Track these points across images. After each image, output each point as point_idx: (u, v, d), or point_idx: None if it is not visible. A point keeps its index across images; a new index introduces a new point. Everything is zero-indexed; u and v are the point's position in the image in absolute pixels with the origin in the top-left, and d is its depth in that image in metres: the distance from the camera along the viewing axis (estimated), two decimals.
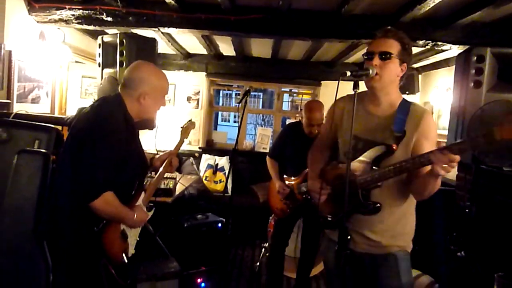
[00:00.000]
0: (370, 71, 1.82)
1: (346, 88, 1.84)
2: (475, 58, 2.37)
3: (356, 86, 1.84)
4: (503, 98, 2.35)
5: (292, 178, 3.28)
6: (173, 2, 3.13)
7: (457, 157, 1.46)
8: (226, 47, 5.01)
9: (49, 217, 1.98)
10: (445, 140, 2.81)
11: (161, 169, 2.21)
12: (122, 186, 1.87)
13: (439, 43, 3.31)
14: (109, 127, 1.76)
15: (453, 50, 3.49)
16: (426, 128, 1.75)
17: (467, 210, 2.80)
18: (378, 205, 1.74)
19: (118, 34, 2.96)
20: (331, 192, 1.90)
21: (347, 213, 1.82)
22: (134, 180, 2.00)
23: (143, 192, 2.05)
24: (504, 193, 3.15)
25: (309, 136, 3.17)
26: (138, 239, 2.08)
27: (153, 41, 3.14)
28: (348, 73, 1.80)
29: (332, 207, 1.89)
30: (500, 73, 2.40)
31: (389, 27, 1.89)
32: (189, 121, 2.51)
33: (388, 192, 1.77)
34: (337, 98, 1.94)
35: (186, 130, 2.45)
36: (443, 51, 3.63)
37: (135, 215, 1.91)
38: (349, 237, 1.68)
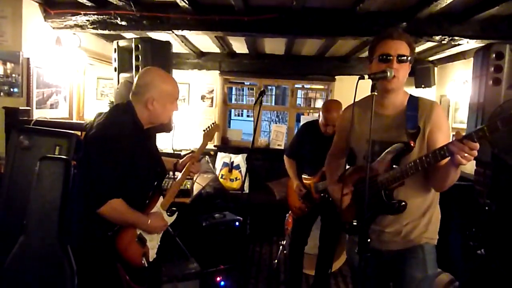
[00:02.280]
0: (388, 74, 1.82)
1: (363, 87, 1.83)
2: (494, 55, 2.33)
3: (373, 89, 1.84)
4: None
5: (310, 177, 3.28)
6: (186, 4, 3.14)
7: (477, 145, 1.46)
8: (239, 45, 5.00)
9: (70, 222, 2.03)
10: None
11: (180, 174, 2.22)
12: (134, 192, 1.90)
13: (456, 38, 3.26)
14: (115, 135, 1.78)
15: (470, 44, 3.43)
16: (437, 119, 1.77)
17: (486, 208, 2.77)
18: (404, 203, 1.75)
19: (133, 39, 2.98)
20: (354, 197, 1.91)
21: (373, 214, 1.84)
22: (147, 185, 2.02)
23: (161, 197, 2.07)
24: None
25: (325, 134, 3.16)
26: (159, 243, 2.10)
27: (168, 45, 3.15)
28: (366, 77, 1.80)
29: (356, 211, 1.90)
30: None
31: (398, 28, 1.93)
32: (213, 123, 2.42)
33: (411, 188, 1.79)
34: (354, 100, 1.94)
35: (210, 133, 2.37)
36: (459, 45, 3.57)
37: (149, 221, 1.93)
38: (369, 240, 1.68)
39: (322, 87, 6.09)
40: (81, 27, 3.55)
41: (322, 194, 3.19)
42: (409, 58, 1.79)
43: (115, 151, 1.77)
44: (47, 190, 2.30)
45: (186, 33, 3.60)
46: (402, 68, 1.78)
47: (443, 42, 3.34)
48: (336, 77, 5.67)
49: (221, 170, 5.52)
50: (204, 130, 2.36)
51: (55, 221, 2.28)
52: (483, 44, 3.26)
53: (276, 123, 14.96)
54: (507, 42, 3.09)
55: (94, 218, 1.78)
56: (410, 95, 1.87)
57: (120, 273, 1.89)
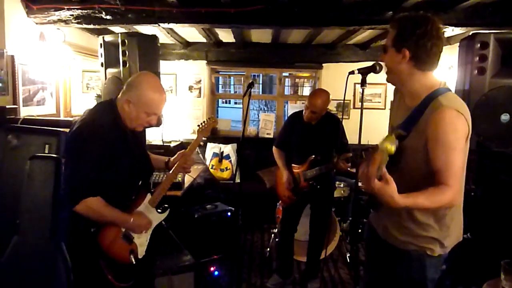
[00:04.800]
0: (377, 68, 1.86)
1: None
2: (479, 44, 2.38)
3: (363, 83, 1.88)
4: (507, 84, 2.38)
5: (298, 165, 3.33)
6: None
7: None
8: (225, 34, 4.97)
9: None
10: None
11: (171, 170, 2.21)
12: (116, 190, 1.90)
13: (442, 25, 3.29)
14: (90, 134, 1.78)
15: (456, 30, 3.47)
16: (433, 128, 1.51)
17: (472, 194, 2.84)
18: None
19: (119, 34, 2.95)
20: None
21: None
22: (130, 183, 2.02)
23: (148, 194, 2.07)
24: (510, 173, 3.18)
25: (308, 122, 3.22)
26: (148, 240, 2.07)
27: (154, 38, 3.13)
28: (356, 71, 1.84)
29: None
30: (503, 59, 2.41)
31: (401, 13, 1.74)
32: (209, 118, 2.32)
33: (404, 187, 1.59)
34: (345, 94, 1.96)
35: (206, 128, 2.28)
36: (444, 33, 3.60)
37: (132, 219, 1.92)
38: (359, 230, 1.73)
39: (309, 74, 6.09)
40: (65, 22, 3.49)
41: (310, 182, 3.25)
42: (388, 46, 1.63)
43: (89, 150, 1.76)
44: (38, 189, 2.29)
45: (172, 25, 3.57)
46: (385, 59, 1.67)
47: None
48: (323, 64, 5.69)
49: (211, 160, 5.54)
50: (198, 126, 2.29)
51: (48, 219, 2.28)
52: (466, 31, 3.31)
53: (265, 112, 14.93)
54: (490, 29, 3.15)
55: (75, 214, 1.78)
56: (433, 92, 1.59)
57: (102, 270, 1.89)
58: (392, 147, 1.34)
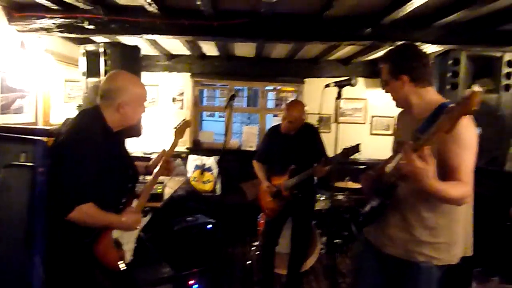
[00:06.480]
0: (352, 81, 1.91)
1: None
2: (451, 61, 2.47)
3: (339, 95, 1.93)
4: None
5: (279, 177, 3.35)
6: (155, 9, 3.13)
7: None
8: (209, 47, 5.01)
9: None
10: None
11: (154, 171, 2.22)
12: (107, 196, 1.90)
13: (419, 43, 3.39)
14: (84, 140, 1.79)
15: (432, 48, 3.59)
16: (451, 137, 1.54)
17: None
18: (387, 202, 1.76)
19: (101, 44, 2.95)
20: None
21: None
22: (120, 188, 2.02)
23: (135, 199, 2.07)
24: (482, 186, 3.25)
25: (286, 133, 3.26)
26: (135, 244, 2.08)
27: (136, 49, 3.15)
28: (332, 84, 1.89)
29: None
30: (475, 75, 2.50)
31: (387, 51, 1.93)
32: (183, 120, 2.45)
33: (414, 197, 1.73)
34: (321, 106, 2.01)
35: (180, 130, 2.38)
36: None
37: (123, 218, 1.93)
38: (337, 241, 1.75)
39: (291, 88, 6.17)
40: (47, 30, 3.47)
41: (291, 192, 3.27)
42: (388, 80, 1.83)
43: (84, 156, 1.76)
44: (12, 198, 2.25)
45: (155, 37, 3.59)
46: (389, 90, 1.86)
47: None
48: (306, 79, 5.77)
49: (193, 172, 5.51)
50: (175, 128, 2.37)
51: (22, 231, 2.23)
52: (442, 48, 3.43)
53: (248, 125, 14.98)
54: (465, 46, 3.27)
55: (67, 226, 1.76)
56: (443, 102, 1.72)
57: (98, 280, 1.89)
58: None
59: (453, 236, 1.73)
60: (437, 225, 1.71)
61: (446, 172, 1.59)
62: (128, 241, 2.03)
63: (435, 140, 1.39)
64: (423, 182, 1.46)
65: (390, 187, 1.72)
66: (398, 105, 1.90)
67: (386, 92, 1.89)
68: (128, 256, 2.04)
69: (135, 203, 2.07)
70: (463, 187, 1.56)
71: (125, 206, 2.03)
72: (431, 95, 1.80)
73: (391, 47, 1.90)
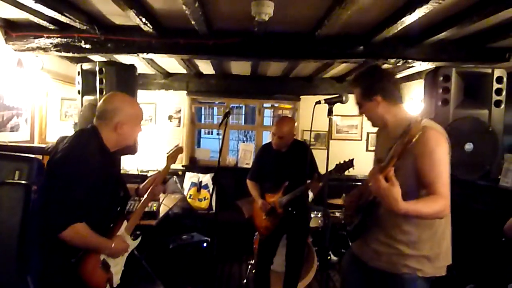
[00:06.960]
0: (344, 98, 1.95)
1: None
2: (442, 77, 2.50)
3: (330, 112, 1.96)
4: (469, 115, 2.50)
5: (273, 194, 3.35)
6: (150, 29, 3.18)
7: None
8: (205, 66, 5.07)
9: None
10: None
11: (145, 196, 2.23)
12: (98, 216, 1.90)
13: (410, 60, 3.46)
14: (80, 159, 1.79)
15: (423, 65, 3.65)
16: (421, 147, 1.64)
17: None
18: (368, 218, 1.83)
19: (97, 63, 2.99)
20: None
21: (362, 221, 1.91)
22: (111, 209, 2.03)
23: (125, 221, 2.07)
24: (478, 200, 3.26)
25: (277, 150, 3.27)
26: (123, 268, 2.09)
27: (132, 68, 3.16)
28: (322, 101, 1.92)
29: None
30: (466, 91, 2.54)
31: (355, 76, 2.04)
32: (176, 146, 2.51)
33: (394, 212, 1.68)
34: (312, 122, 2.05)
35: (173, 156, 2.43)
36: (413, 67, 3.79)
37: (113, 244, 1.93)
38: (329, 257, 1.76)
39: (289, 106, 6.22)
40: (44, 49, 3.52)
41: (286, 209, 3.27)
42: (361, 102, 1.92)
43: (79, 175, 1.76)
44: (5, 216, 2.24)
45: (151, 56, 3.63)
46: (364, 112, 1.95)
47: (397, 64, 3.53)
48: (301, 96, 5.83)
49: (189, 190, 5.50)
50: (167, 153, 2.41)
51: (14, 249, 2.22)
52: (434, 66, 3.48)
53: (244, 142, 15.02)
54: (454, 64, 3.32)
55: (55, 244, 1.75)
56: (414, 119, 1.77)
57: None
58: None
59: (436, 248, 1.77)
60: (419, 239, 1.75)
61: (425, 186, 1.65)
62: (117, 263, 2.02)
63: (395, 163, 1.45)
64: (391, 204, 1.49)
65: (370, 205, 1.80)
66: (374, 125, 1.99)
67: (361, 113, 1.97)
68: (116, 279, 2.02)
69: (125, 224, 2.07)
70: (439, 201, 1.59)
71: (114, 228, 2.02)
72: (402, 113, 1.89)
73: (357, 73, 1.99)
